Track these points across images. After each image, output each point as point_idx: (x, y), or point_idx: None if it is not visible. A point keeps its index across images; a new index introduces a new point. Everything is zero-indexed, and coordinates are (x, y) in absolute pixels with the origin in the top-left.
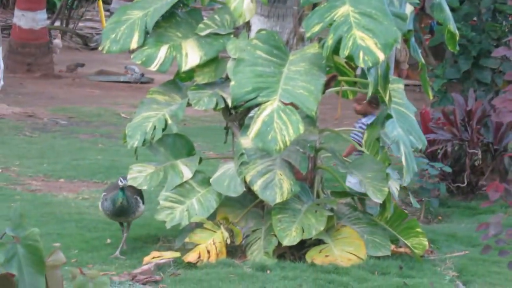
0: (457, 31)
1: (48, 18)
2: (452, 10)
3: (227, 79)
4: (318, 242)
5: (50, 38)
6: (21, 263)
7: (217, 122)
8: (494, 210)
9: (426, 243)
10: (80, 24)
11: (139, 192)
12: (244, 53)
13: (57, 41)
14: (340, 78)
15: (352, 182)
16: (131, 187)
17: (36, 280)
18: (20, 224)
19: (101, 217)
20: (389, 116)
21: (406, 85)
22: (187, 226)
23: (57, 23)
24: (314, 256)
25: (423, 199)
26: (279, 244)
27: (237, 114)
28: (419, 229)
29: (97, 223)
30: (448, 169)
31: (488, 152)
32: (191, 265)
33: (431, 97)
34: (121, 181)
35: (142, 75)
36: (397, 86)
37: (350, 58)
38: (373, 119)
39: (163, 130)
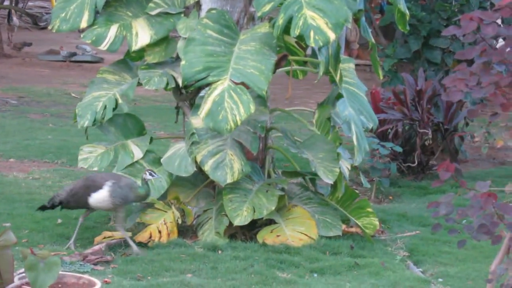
0: (407, 11)
1: None
2: None
3: (178, 58)
4: (270, 222)
5: (9, 17)
6: None
7: (167, 102)
8: (444, 190)
9: (377, 223)
10: (30, 3)
11: None
12: (195, 33)
13: (15, 20)
14: (290, 57)
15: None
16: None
17: None
18: None
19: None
20: (340, 96)
21: (356, 65)
22: (138, 206)
23: (7, 2)
24: (265, 236)
25: (374, 179)
26: (230, 224)
27: (188, 94)
28: (369, 209)
29: None
30: (398, 149)
31: (439, 131)
32: (142, 245)
33: (381, 77)
34: (151, 174)
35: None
36: (348, 66)
37: (300, 38)
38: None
39: (114, 109)
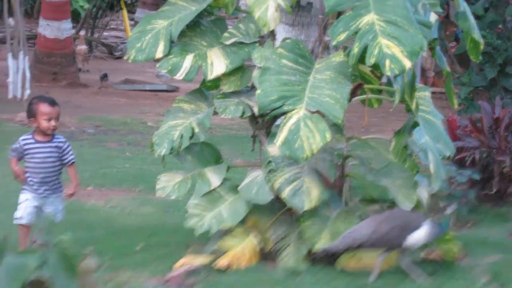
0: (481, 40)
1: (73, 27)
2: (477, 18)
3: (253, 87)
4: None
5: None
6: (53, 269)
7: (243, 130)
8: None
9: (456, 249)
10: (105, 33)
11: None
12: (270, 62)
13: (80, 47)
14: (365, 86)
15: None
16: None
17: (69, 285)
18: (51, 231)
19: (129, 224)
20: (416, 124)
21: (432, 93)
22: (217, 233)
23: (82, 33)
24: (346, 261)
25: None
26: (310, 250)
27: (264, 123)
28: (448, 236)
29: (126, 230)
30: (476, 177)
31: None
32: (221, 272)
33: (455, 106)
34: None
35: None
36: (423, 94)
37: (376, 67)
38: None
39: (190, 138)
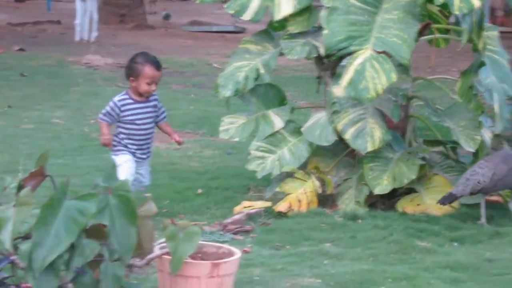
0: None
1: None
2: None
3: (320, 28)
4: (410, 191)
5: None
6: (113, 213)
7: (308, 72)
8: None
9: None
10: None
11: None
12: (338, 2)
13: None
14: (433, 26)
15: None
16: None
17: (128, 230)
18: (112, 175)
19: (192, 167)
20: (482, 64)
21: (501, 32)
22: (278, 176)
23: None
24: (405, 205)
25: None
26: (370, 193)
27: (329, 63)
28: None
29: (188, 174)
30: None
31: None
32: (281, 215)
33: None
34: None
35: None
36: (491, 34)
37: (444, 6)
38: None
39: (255, 80)
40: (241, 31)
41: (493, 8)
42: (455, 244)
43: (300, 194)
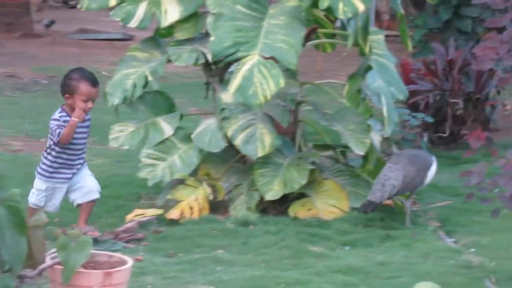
0: None
1: None
2: None
3: (207, 34)
4: (301, 196)
5: None
6: (2, 224)
7: (197, 78)
8: (476, 159)
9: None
10: None
11: None
12: (224, 8)
13: None
14: (320, 30)
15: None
16: None
17: (18, 240)
18: (1, 185)
19: None
20: (369, 68)
21: (387, 36)
22: (169, 183)
23: None
24: (297, 210)
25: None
26: (262, 199)
27: (217, 70)
28: None
29: None
30: (429, 119)
31: (470, 101)
32: (173, 222)
33: (410, 48)
34: None
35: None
36: (377, 37)
37: (329, 10)
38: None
39: (144, 87)
40: (129, 38)
41: (379, 12)
42: (347, 248)
43: (192, 201)
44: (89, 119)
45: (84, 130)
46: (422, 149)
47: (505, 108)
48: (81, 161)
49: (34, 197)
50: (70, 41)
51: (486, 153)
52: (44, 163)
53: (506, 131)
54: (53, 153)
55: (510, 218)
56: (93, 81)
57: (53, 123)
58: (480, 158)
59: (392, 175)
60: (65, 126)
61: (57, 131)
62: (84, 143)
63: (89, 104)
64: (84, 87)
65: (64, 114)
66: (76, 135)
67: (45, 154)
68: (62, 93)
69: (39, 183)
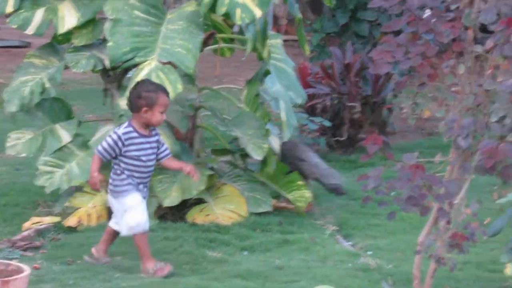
0: None
1: None
2: None
3: (105, 40)
4: (199, 201)
5: None
6: None
7: (96, 84)
8: (374, 163)
9: (309, 195)
10: None
11: None
12: (121, 13)
13: None
14: (218, 35)
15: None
16: None
17: None
18: None
19: None
20: (267, 72)
21: (285, 41)
22: (67, 191)
23: None
24: (195, 215)
25: None
26: (160, 205)
27: (116, 75)
28: (300, 182)
29: None
30: (327, 123)
31: (367, 105)
32: (71, 230)
33: (307, 52)
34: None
35: None
36: (275, 42)
37: (227, 16)
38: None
39: (41, 94)
40: (26, 45)
41: (277, 17)
42: (245, 253)
43: (90, 208)
44: (157, 133)
45: (153, 145)
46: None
47: (402, 112)
48: (148, 183)
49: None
50: None
51: (384, 157)
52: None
53: (403, 134)
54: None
55: (407, 221)
56: (167, 92)
57: (110, 137)
58: (377, 162)
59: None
60: (123, 145)
61: (103, 148)
62: (153, 159)
63: (164, 116)
64: (163, 98)
65: (131, 129)
66: (142, 151)
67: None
68: (138, 107)
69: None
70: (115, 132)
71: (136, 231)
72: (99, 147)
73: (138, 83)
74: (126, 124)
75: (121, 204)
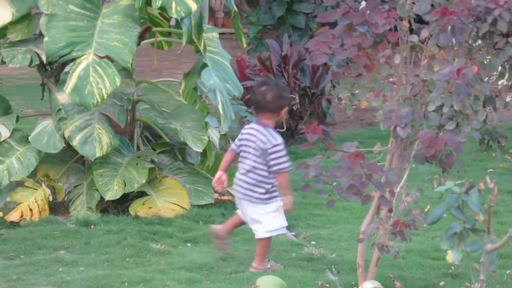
0: None
1: None
2: None
3: (41, 35)
4: (141, 194)
5: None
6: None
7: (34, 79)
8: (314, 153)
9: None
10: None
11: None
12: (56, 8)
13: None
14: (154, 29)
15: None
16: None
17: None
18: None
19: None
20: (204, 65)
21: (222, 34)
22: (8, 186)
23: None
24: (138, 208)
25: None
26: (102, 198)
27: (53, 70)
28: None
29: None
30: None
31: (306, 96)
32: (14, 225)
33: (244, 45)
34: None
35: None
36: (211, 35)
37: (162, 9)
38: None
39: None
40: None
41: (213, 10)
42: (189, 244)
43: (31, 202)
44: None
45: None
46: None
47: (340, 103)
48: None
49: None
50: None
51: (324, 147)
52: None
53: (343, 124)
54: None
55: (349, 210)
56: None
57: (280, 146)
58: (318, 152)
59: None
60: None
61: (286, 161)
62: None
63: None
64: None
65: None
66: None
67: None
68: (280, 107)
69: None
70: (279, 139)
71: (276, 233)
72: (285, 164)
73: (261, 83)
74: (269, 127)
75: (270, 207)
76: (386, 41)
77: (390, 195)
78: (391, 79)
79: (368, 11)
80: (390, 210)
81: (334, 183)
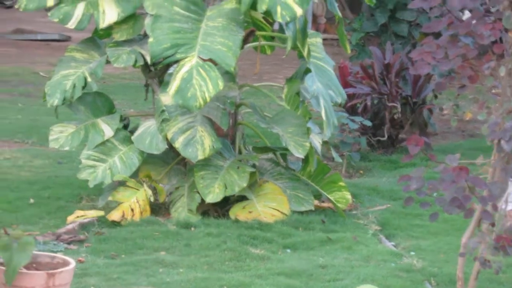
0: None
1: None
2: None
3: (146, 36)
4: (242, 198)
5: None
6: None
7: (136, 80)
8: (415, 163)
9: (349, 197)
10: None
11: None
12: (161, 9)
13: None
14: (258, 33)
15: None
16: None
17: None
18: None
19: (23, 177)
20: (308, 71)
21: (324, 39)
22: (110, 185)
23: None
24: (238, 212)
25: (344, 153)
26: (203, 201)
27: (157, 71)
28: (341, 183)
29: (19, 183)
30: (368, 123)
31: (407, 105)
32: (115, 224)
33: (348, 51)
34: None
35: None
36: (315, 40)
37: (267, 13)
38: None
39: (83, 88)
40: (66, 39)
41: (316, 16)
42: (288, 250)
43: (133, 202)
44: None
45: None
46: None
47: (442, 113)
48: None
49: None
50: (7, 42)
51: (425, 157)
52: None
53: (443, 135)
54: None
55: (449, 222)
56: None
57: None
58: (418, 163)
59: None
60: None
61: None
62: None
63: None
64: None
65: None
66: None
67: None
68: None
69: None
70: None
71: None
72: None
73: None
74: None
75: None
76: (491, 52)
77: (493, 209)
78: (494, 91)
79: (473, 22)
80: (492, 224)
81: (435, 194)
